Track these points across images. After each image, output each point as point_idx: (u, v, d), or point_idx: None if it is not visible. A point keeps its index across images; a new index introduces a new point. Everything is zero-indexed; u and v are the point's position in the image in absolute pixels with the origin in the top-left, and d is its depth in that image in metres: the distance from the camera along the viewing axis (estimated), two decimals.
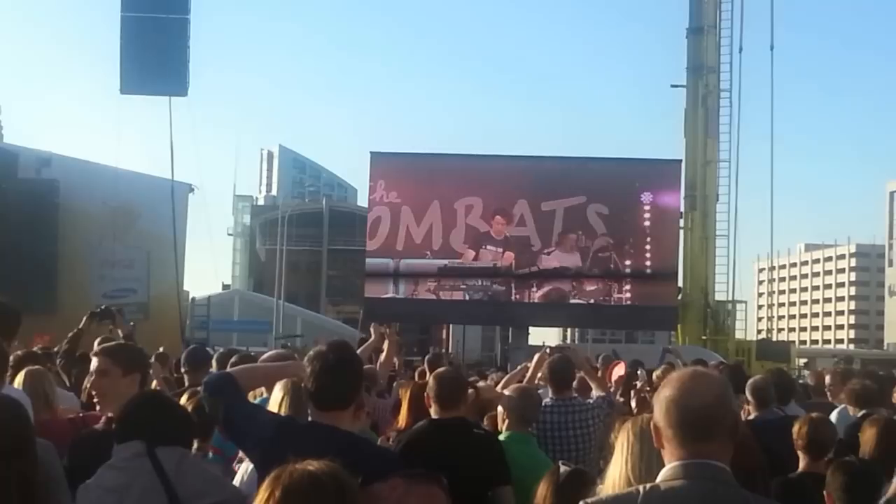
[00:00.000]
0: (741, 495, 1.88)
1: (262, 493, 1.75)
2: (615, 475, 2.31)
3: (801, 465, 3.83)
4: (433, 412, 3.75)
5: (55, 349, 5.96)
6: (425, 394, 3.89)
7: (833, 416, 5.10)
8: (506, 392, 4.32)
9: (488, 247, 22.12)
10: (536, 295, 22.33)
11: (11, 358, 4.47)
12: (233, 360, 4.78)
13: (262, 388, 3.85)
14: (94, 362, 3.40)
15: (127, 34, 18.94)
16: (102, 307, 6.00)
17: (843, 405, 5.56)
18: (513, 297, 22.25)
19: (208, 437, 3.63)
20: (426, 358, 8.16)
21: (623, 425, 2.46)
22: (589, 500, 1.96)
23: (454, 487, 3.22)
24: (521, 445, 3.96)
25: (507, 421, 4.13)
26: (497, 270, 22.06)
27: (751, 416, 4.99)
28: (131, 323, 6.60)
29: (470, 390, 4.87)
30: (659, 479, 1.88)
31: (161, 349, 7.60)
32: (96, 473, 2.75)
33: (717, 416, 1.86)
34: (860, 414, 4.76)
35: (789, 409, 5.59)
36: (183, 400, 3.89)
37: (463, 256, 22.17)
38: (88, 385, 3.50)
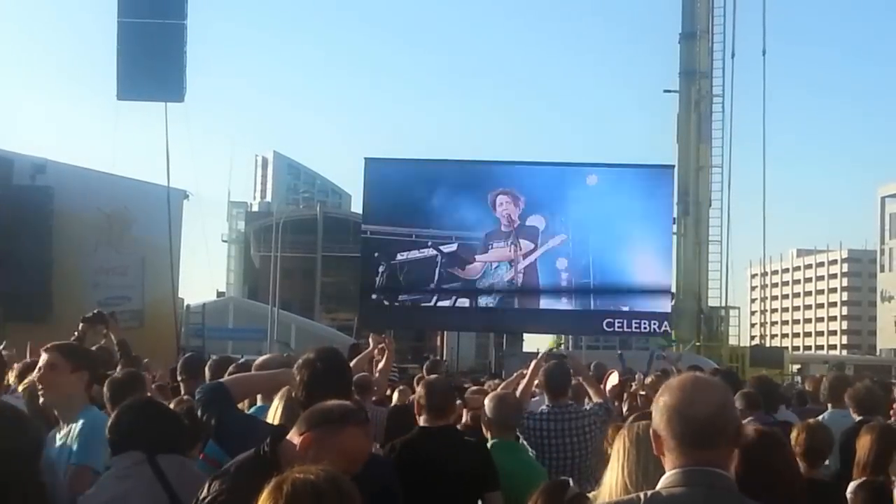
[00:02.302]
0: (743, 503, 1.89)
1: (264, 503, 1.76)
2: (612, 482, 2.32)
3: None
4: (423, 420, 3.81)
5: None
6: (415, 402, 3.93)
7: (826, 419, 5.13)
8: (485, 401, 4.34)
9: (495, 245, 22.17)
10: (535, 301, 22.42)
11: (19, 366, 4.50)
12: (231, 369, 4.78)
13: (258, 396, 3.86)
14: (44, 357, 3.48)
15: (124, 40, 18.89)
16: (95, 311, 5.96)
17: (832, 409, 5.59)
18: (515, 305, 22.32)
19: (196, 445, 3.64)
20: (424, 365, 8.17)
21: (618, 432, 2.48)
22: None
23: (445, 493, 3.25)
24: (507, 453, 4.00)
25: (490, 430, 4.17)
26: (493, 287, 22.13)
27: (744, 421, 5.02)
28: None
29: (458, 400, 4.91)
30: (660, 485, 1.88)
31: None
32: (97, 482, 2.75)
33: (718, 424, 1.87)
34: (858, 420, 4.77)
35: (779, 414, 5.63)
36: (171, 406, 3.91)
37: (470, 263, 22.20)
38: (35, 378, 3.55)
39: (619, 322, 21.92)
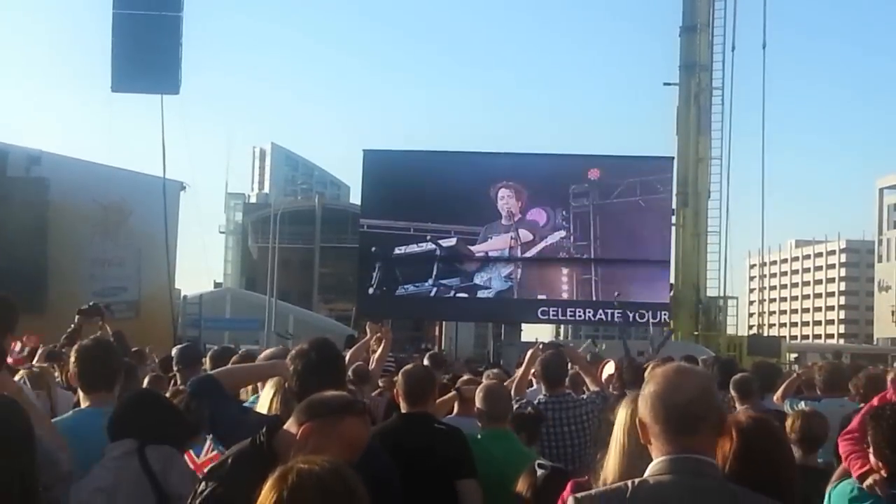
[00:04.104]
0: (728, 489, 1.90)
1: (268, 493, 1.74)
2: (614, 469, 2.31)
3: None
4: (402, 407, 3.90)
5: (55, 347, 5.96)
6: (394, 390, 4.02)
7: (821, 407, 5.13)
8: (476, 391, 4.36)
9: (493, 237, 22.17)
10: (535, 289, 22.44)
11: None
12: (234, 359, 4.80)
13: (257, 385, 3.85)
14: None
15: (119, 32, 18.82)
16: (90, 304, 6.00)
17: (827, 397, 5.59)
18: (515, 295, 22.32)
19: (196, 436, 3.63)
20: (425, 357, 8.25)
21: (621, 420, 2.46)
22: (579, 495, 1.97)
23: (418, 480, 3.25)
24: (497, 441, 4.01)
25: (481, 420, 4.20)
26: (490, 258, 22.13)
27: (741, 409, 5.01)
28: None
29: (452, 391, 4.90)
30: (647, 473, 1.89)
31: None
32: (89, 473, 2.76)
33: (700, 411, 1.88)
34: (859, 406, 4.77)
35: (766, 401, 5.63)
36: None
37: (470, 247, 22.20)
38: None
39: (618, 313, 21.94)
